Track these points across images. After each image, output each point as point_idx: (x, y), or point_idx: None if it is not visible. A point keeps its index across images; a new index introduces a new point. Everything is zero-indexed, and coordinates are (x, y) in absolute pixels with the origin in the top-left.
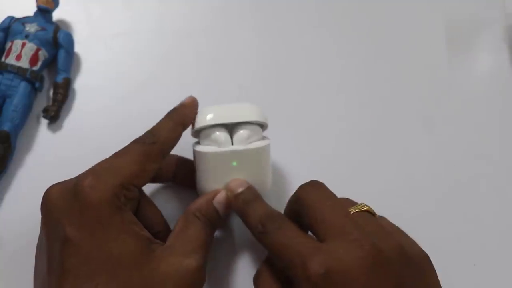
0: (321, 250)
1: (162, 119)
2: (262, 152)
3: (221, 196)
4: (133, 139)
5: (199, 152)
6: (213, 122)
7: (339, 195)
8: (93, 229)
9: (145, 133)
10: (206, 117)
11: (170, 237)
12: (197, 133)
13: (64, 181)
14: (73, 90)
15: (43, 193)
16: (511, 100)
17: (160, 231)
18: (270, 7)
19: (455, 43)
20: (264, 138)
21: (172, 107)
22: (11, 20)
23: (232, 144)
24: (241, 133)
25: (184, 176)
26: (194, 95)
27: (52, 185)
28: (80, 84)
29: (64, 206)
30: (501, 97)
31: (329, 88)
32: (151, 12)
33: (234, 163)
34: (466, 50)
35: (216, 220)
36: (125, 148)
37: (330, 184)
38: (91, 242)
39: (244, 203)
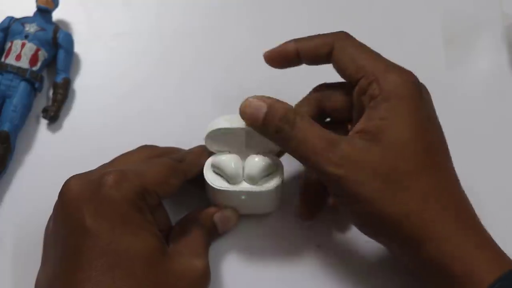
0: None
1: (194, 147)
2: (275, 191)
3: (223, 214)
4: (133, 139)
5: (209, 185)
6: (224, 126)
7: None
8: (114, 223)
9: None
10: (220, 120)
11: (172, 239)
12: (214, 142)
13: (84, 173)
14: (73, 90)
15: (42, 193)
16: (510, 100)
17: (163, 230)
18: (269, 6)
19: (453, 43)
20: (277, 163)
21: (171, 107)
22: (10, 20)
23: (243, 170)
24: (256, 161)
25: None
26: (193, 95)
27: (73, 176)
28: (80, 84)
29: (85, 197)
30: (500, 97)
31: None
32: (150, 12)
33: (243, 197)
34: (465, 50)
35: (213, 233)
36: (153, 159)
37: None
38: (110, 235)
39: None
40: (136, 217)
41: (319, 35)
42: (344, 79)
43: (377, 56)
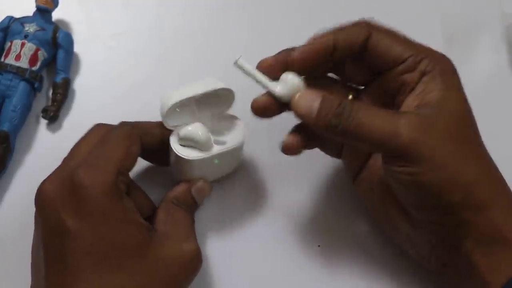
0: (402, 117)
1: None
2: (242, 145)
3: (200, 186)
4: None
5: (182, 158)
6: (180, 98)
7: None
8: (95, 221)
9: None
10: (170, 96)
11: (157, 224)
12: (169, 119)
13: (55, 173)
14: (72, 90)
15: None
16: (510, 100)
17: (147, 214)
18: (269, 7)
19: (453, 43)
20: (233, 116)
21: None
22: (10, 20)
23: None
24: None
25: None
26: None
27: (46, 179)
28: (79, 84)
29: (62, 199)
30: (500, 97)
31: None
32: (150, 12)
33: (217, 161)
34: (464, 50)
35: (194, 207)
36: (107, 136)
37: (328, 181)
38: (93, 233)
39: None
40: (116, 209)
41: (346, 26)
42: (382, 62)
43: (413, 40)
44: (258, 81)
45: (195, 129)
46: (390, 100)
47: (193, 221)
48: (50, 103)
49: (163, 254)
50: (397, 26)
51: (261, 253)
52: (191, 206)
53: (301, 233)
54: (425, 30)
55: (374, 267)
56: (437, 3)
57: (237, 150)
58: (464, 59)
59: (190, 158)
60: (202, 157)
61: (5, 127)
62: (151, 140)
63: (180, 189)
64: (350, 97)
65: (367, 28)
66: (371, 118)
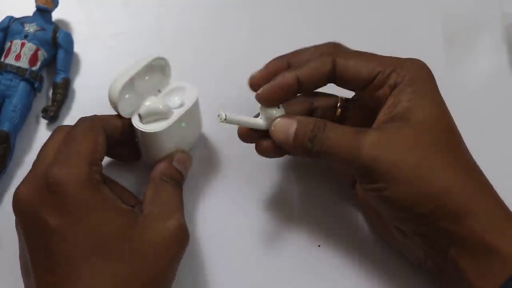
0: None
1: None
2: (198, 100)
3: (179, 157)
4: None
5: (151, 133)
6: (124, 81)
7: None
8: (77, 214)
9: None
10: (115, 85)
11: (145, 204)
12: (123, 108)
13: (27, 177)
14: (73, 90)
15: None
16: (510, 100)
17: (134, 206)
18: (269, 7)
19: (453, 43)
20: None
21: None
22: (10, 20)
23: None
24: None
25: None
26: None
27: (19, 185)
28: (80, 84)
29: (40, 200)
30: (500, 97)
31: (327, 88)
32: (150, 12)
33: (183, 124)
34: (465, 50)
35: (181, 180)
36: (71, 134)
37: (328, 181)
38: (77, 227)
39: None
40: (96, 199)
41: (311, 56)
42: (354, 85)
43: (380, 55)
44: (245, 125)
45: (153, 102)
46: (373, 112)
47: (181, 196)
48: (50, 103)
49: (148, 236)
50: (398, 26)
51: (260, 253)
52: (178, 180)
53: (301, 233)
54: (425, 30)
55: (375, 267)
56: (438, 3)
57: (196, 107)
58: (464, 59)
59: (158, 130)
60: (169, 124)
61: (5, 127)
62: (113, 131)
63: (162, 165)
64: (339, 111)
65: (330, 57)
66: (339, 138)
